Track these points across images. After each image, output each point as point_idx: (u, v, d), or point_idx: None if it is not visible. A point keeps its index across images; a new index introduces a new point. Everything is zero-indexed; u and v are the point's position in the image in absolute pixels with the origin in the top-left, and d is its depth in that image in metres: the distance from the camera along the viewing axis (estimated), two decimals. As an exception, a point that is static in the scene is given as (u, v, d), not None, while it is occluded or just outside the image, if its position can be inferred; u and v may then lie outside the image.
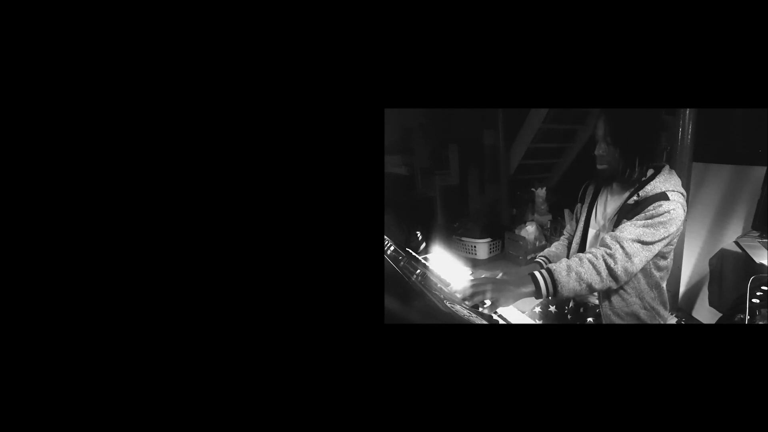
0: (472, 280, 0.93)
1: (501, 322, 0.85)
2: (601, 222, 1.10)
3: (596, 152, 1.03)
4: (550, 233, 3.09)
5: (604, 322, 1.06)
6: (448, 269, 1.11)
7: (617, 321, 1.04)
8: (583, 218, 1.14)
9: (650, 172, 1.02)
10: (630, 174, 1.00)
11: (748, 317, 1.02)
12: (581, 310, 1.17)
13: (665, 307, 1.10)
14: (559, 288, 0.90)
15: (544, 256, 1.21)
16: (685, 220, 1.00)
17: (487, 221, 3.27)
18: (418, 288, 0.82)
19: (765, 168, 1.87)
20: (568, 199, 2.74)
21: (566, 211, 3.00)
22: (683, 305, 2.05)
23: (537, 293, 0.90)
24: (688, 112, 1.73)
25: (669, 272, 1.08)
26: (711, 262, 1.67)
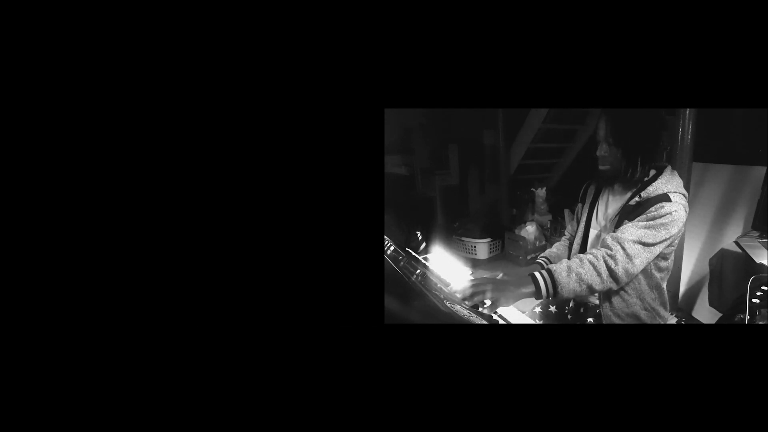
0: (472, 280, 0.93)
1: (501, 322, 0.85)
2: (603, 223, 1.09)
3: (598, 153, 1.02)
4: (550, 233, 3.10)
5: (604, 323, 1.06)
6: (448, 269, 1.11)
7: (617, 321, 1.04)
8: (584, 219, 1.14)
9: (652, 172, 1.02)
10: (632, 174, 1.00)
11: (748, 317, 1.02)
12: (581, 310, 1.17)
13: (665, 308, 1.10)
14: (559, 289, 0.90)
15: (545, 257, 1.21)
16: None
17: (487, 221, 3.27)
18: (418, 288, 0.82)
19: (765, 168, 1.87)
20: (568, 199, 2.75)
21: (566, 211, 3.00)
22: (683, 305, 2.05)
23: (537, 294, 0.90)
24: (688, 112, 1.73)
25: (669, 273, 1.08)
26: (711, 262, 1.67)
